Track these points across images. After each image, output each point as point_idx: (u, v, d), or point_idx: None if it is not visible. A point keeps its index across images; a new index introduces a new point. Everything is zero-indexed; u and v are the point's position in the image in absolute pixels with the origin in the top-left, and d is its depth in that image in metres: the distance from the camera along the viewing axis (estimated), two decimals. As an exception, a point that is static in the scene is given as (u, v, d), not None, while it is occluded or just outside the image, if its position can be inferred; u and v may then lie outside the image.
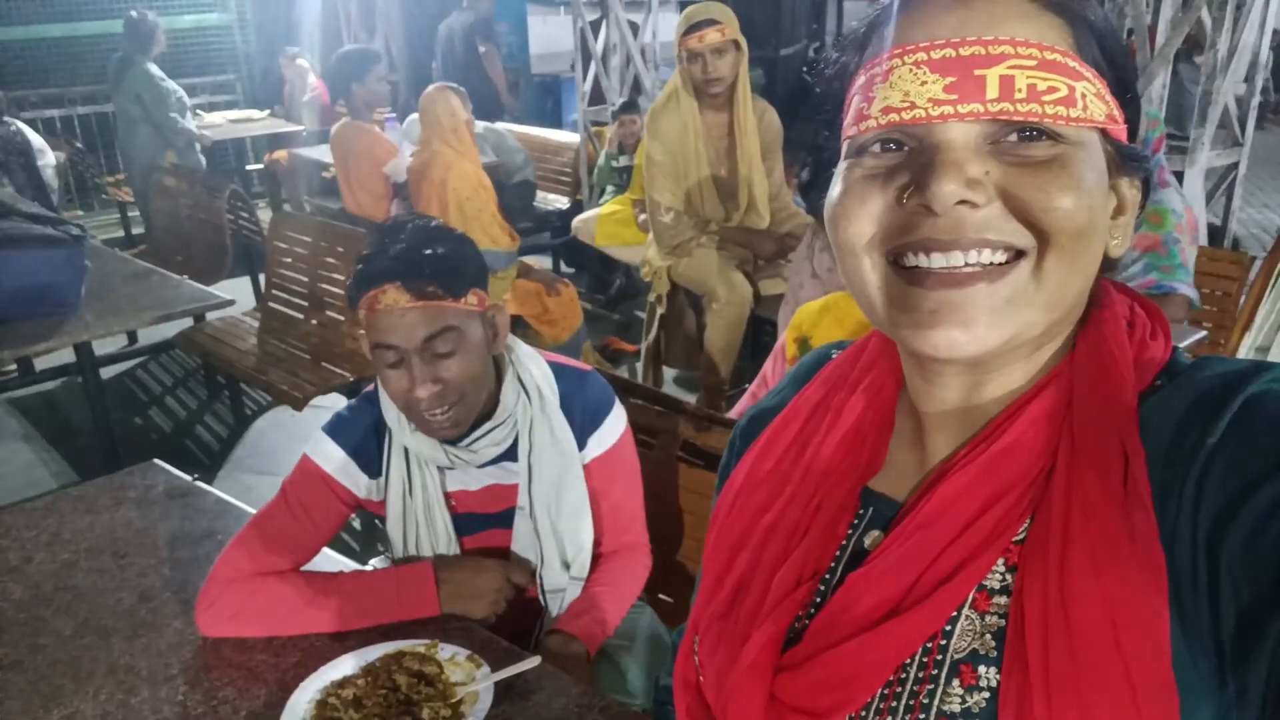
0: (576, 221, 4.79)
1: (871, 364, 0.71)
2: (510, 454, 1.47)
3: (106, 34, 7.43)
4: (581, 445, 1.49)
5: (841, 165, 0.60)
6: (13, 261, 2.66)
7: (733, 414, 2.25)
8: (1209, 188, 3.48)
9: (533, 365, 1.49)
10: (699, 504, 1.95)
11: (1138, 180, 0.61)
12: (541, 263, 4.91)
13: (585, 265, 5.47)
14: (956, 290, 0.54)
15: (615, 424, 1.52)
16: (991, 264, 0.54)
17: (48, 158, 5.50)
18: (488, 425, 1.44)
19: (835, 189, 0.60)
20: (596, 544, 1.54)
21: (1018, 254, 0.55)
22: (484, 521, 1.52)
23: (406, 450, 1.46)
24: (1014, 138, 0.54)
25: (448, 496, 1.50)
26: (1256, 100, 3.38)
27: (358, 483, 1.48)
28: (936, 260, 0.55)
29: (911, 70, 0.54)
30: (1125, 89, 0.58)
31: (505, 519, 1.50)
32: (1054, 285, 0.55)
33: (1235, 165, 3.46)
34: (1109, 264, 0.61)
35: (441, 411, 1.36)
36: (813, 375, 0.75)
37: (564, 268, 5.79)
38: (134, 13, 5.47)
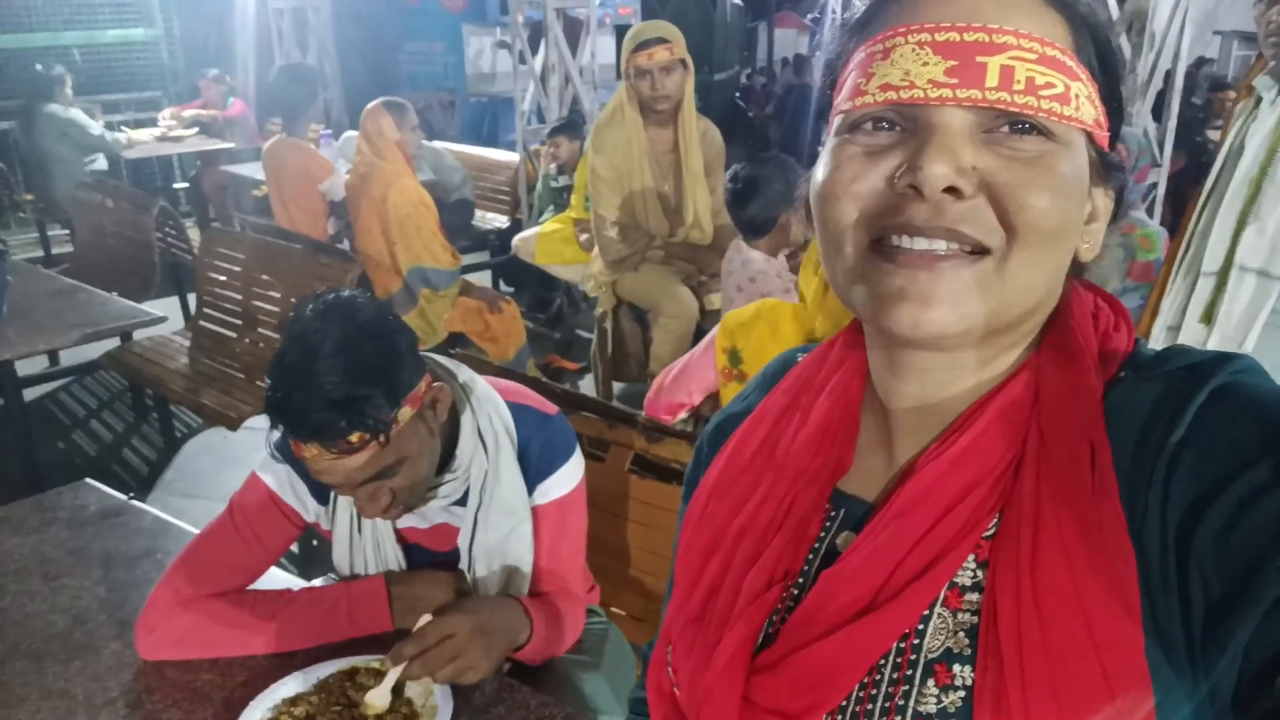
0: (517, 240, 4.77)
1: (838, 365, 0.70)
2: (462, 500, 1.41)
3: (24, 48, 7.21)
4: (531, 489, 1.42)
5: (831, 141, 0.60)
6: (-71, 277, 2.55)
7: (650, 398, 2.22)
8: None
9: (493, 411, 1.39)
10: (651, 515, 1.94)
11: (1112, 190, 0.61)
12: (481, 282, 4.88)
13: (525, 284, 5.45)
14: (924, 270, 0.55)
15: (571, 472, 1.44)
16: (964, 251, 0.55)
17: (-39, 176, 5.35)
18: (441, 478, 1.37)
19: (823, 166, 0.60)
20: (533, 586, 1.46)
21: (985, 250, 0.55)
22: (433, 555, 1.48)
23: None
24: (1006, 129, 0.54)
25: (398, 532, 1.44)
26: (1173, 124, 3.54)
27: (306, 506, 1.42)
28: (918, 244, 0.55)
29: (914, 50, 0.54)
30: (1114, 97, 0.59)
31: (455, 556, 1.45)
32: (1019, 282, 0.55)
33: (1154, 185, 3.61)
34: (1079, 268, 0.62)
35: (393, 513, 1.31)
36: (779, 379, 0.75)
37: (504, 287, 5.76)
38: (39, 66, 5.71)
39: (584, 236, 4.14)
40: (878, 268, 0.56)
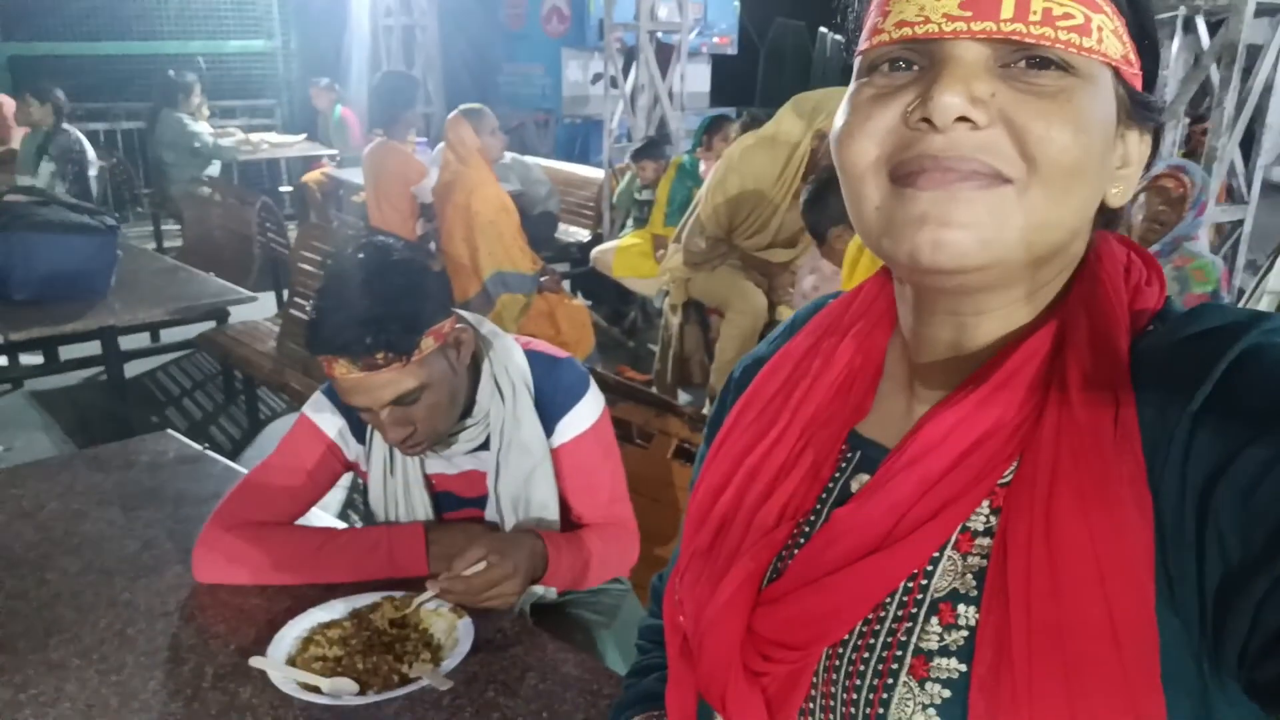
0: (595, 252, 4.90)
1: (863, 310, 0.70)
2: (486, 444, 1.50)
3: (154, 54, 7.72)
4: (551, 430, 1.50)
5: (851, 86, 0.60)
6: (50, 245, 2.78)
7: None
8: (1217, 244, 3.54)
9: (509, 361, 1.49)
10: (690, 503, 1.99)
11: (1148, 133, 0.59)
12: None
13: (602, 297, 5.57)
14: (943, 190, 0.54)
15: (587, 409, 1.52)
16: (983, 175, 0.54)
17: (93, 169, 5.75)
18: (463, 424, 1.47)
19: (842, 111, 0.59)
20: (579, 522, 1.56)
21: (1006, 180, 0.54)
22: (462, 501, 1.56)
23: None
24: (1023, 64, 0.53)
25: (427, 478, 1.53)
26: (1262, 160, 3.45)
27: (349, 445, 1.54)
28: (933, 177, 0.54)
29: None
30: (1144, 34, 0.57)
31: (483, 501, 1.54)
32: (1039, 216, 0.54)
33: (1240, 222, 3.52)
34: (1111, 218, 0.61)
35: (414, 446, 1.40)
36: (808, 323, 0.75)
37: (582, 299, 5.90)
38: (171, 72, 6.05)
39: (660, 252, 4.24)
40: (898, 194, 0.55)
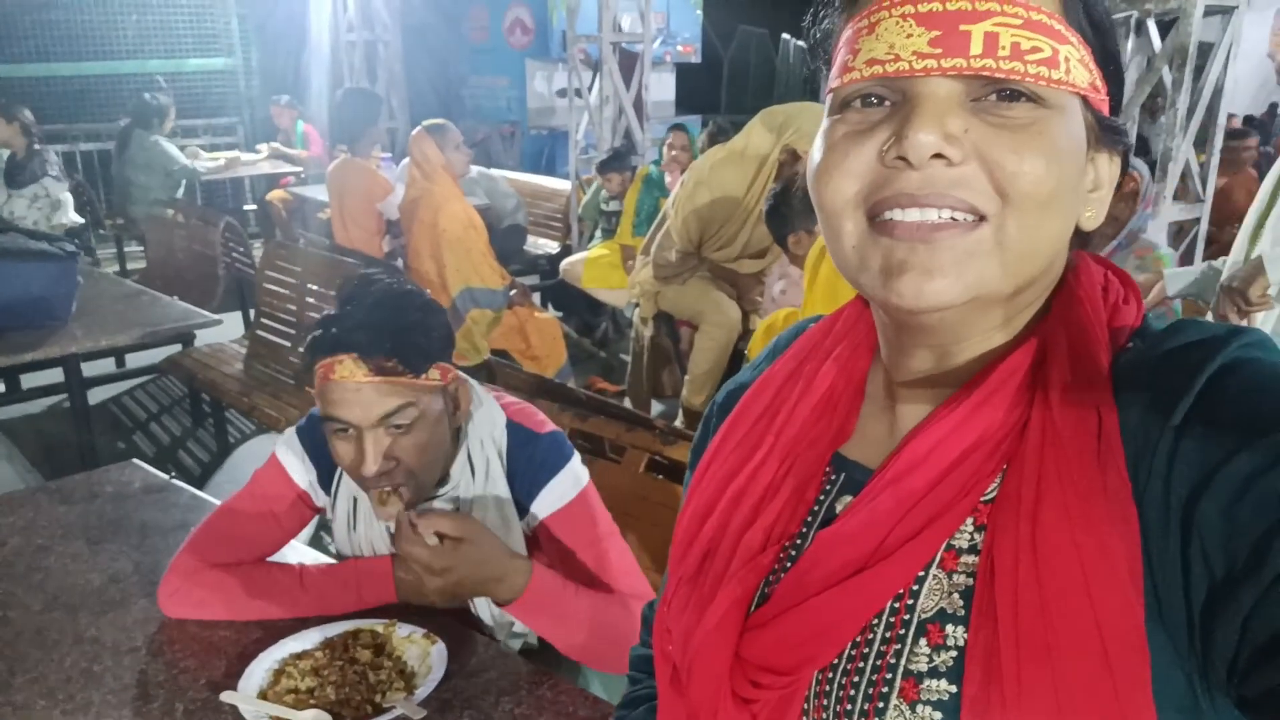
0: (564, 264, 4.90)
1: (844, 333, 0.71)
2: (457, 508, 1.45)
3: (112, 74, 7.63)
4: (526, 508, 1.45)
5: (825, 122, 0.60)
6: (8, 272, 2.74)
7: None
8: (1175, 243, 3.60)
9: (488, 432, 1.44)
10: (666, 517, 2.00)
11: (1116, 155, 0.61)
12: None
13: (573, 309, 5.57)
14: (923, 242, 0.55)
15: (563, 487, 1.44)
16: (958, 220, 0.55)
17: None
18: (437, 493, 1.43)
19: (817, 148, 0.60)
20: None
21: (982, 217, 0.55)
22: None
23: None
24: (994, 98, 0.54)
25: (393, 536, 1.46)
26: (1216, 160, 3.51)
27: (317, 492, 1.50)
28: (911, 215, 0.55)
29: (898, 23, 0.54)
30: (1110, 60, 0.58)
31: None
32: (1018, 249, 0.55)
33: (1197, 220, 3.59)
34: (1084, 238, 0.62)
35: (390, 489, 1.33)
36: (789, 347, 0.75)
37: (552, 310, 5.89)
38: (147, 95, 5.94)
39: (630, 262, 4.25)
40: (878, 242, 0.56)
